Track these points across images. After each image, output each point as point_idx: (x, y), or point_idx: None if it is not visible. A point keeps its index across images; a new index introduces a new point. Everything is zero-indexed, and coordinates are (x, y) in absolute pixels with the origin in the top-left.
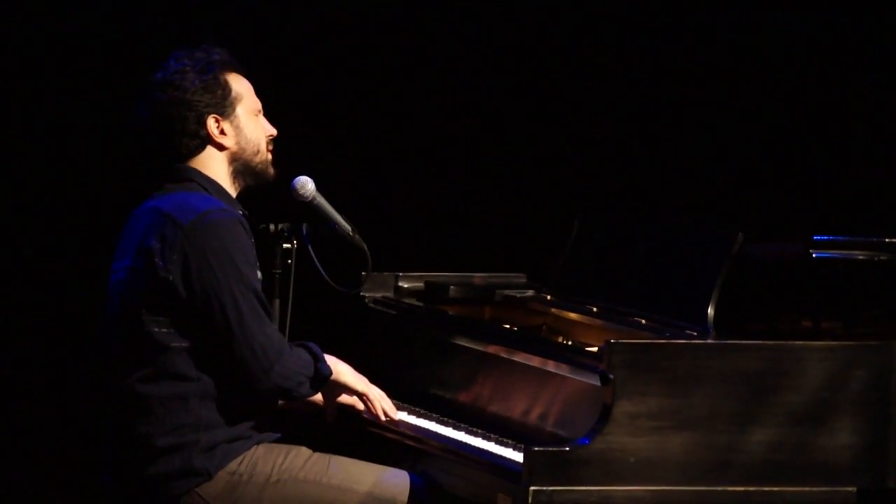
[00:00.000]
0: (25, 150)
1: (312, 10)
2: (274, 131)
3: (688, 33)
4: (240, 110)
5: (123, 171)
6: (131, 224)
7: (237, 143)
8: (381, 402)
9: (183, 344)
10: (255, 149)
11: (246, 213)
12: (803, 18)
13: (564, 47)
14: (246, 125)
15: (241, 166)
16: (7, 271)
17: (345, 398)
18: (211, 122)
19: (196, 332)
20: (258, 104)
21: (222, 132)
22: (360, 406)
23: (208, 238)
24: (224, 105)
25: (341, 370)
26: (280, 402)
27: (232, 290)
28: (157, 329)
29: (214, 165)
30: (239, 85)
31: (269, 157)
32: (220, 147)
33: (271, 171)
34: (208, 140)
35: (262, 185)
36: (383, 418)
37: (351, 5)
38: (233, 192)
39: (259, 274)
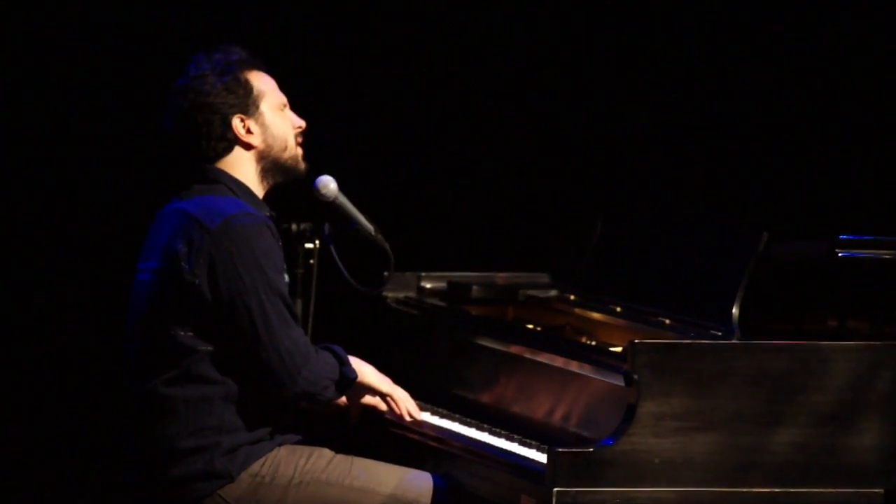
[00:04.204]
0: (50, 150)
1: (337, 8)
2: (303, 123)
3: (713, 30)
4: (264, 107)
5: (150, 169)
6: (157, 224)
7: (264, 140)
8: (406, 403)
9: (208, 347)
10: (283, 144)
11: (273, 214)
12: (831, 14)
13: (587, 45)
14: (272, 122)
15: (271, 164)
16: (31, 271)
17: (368, 399)
18: (237, 123)
19: (221, 336)
20: (283, 98)
21: (248, 131)
22: (384, 407)
23: (235, 242)
24: (247, 104)
25: (365, 371)
26: (304, 405)
27: (258, 295)
28: (182, 332)
29: (243, 166)
30: (260, 82)
31: (300, 151)
32: (248, 147)
33: (302, 165)
34: (236, 141)
35: (293, 181)
36: (408, 419)
37: (375, 4)
38: (261, 193)
39: (286, 277)
